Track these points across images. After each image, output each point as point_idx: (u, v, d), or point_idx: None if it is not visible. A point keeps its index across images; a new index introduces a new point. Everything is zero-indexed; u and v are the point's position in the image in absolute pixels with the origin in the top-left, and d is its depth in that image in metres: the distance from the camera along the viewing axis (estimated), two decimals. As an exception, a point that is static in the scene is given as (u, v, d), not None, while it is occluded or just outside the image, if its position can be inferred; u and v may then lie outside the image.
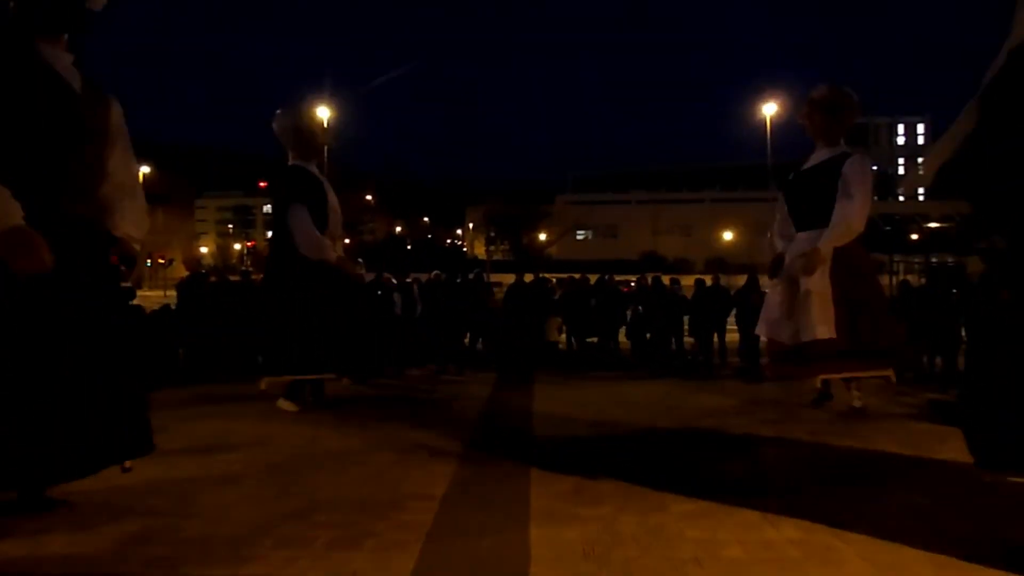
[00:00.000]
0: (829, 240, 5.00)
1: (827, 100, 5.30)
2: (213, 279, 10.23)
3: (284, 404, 5.57)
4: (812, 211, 5.21)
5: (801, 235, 5.29)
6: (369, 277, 10.59)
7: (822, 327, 4.93)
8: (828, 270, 5.00)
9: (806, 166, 5.48)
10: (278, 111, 5.80)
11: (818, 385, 5.58)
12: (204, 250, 67.22)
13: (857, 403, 5.38)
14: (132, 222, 3.13)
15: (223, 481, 3.50)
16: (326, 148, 29.47)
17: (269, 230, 5.82)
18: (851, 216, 4.98)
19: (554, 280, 12.40)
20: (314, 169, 5.78)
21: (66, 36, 2.86)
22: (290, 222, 5.41)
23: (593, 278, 11.36)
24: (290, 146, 5.74)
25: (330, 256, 5.49)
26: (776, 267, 5.45)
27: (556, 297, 11.04)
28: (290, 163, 5.75)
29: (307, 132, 5.75)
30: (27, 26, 2.73)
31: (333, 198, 5.75)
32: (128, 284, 3.12)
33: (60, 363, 2.65)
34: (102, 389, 2.77)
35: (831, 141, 5.34)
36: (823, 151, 5.35)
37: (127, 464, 2.95)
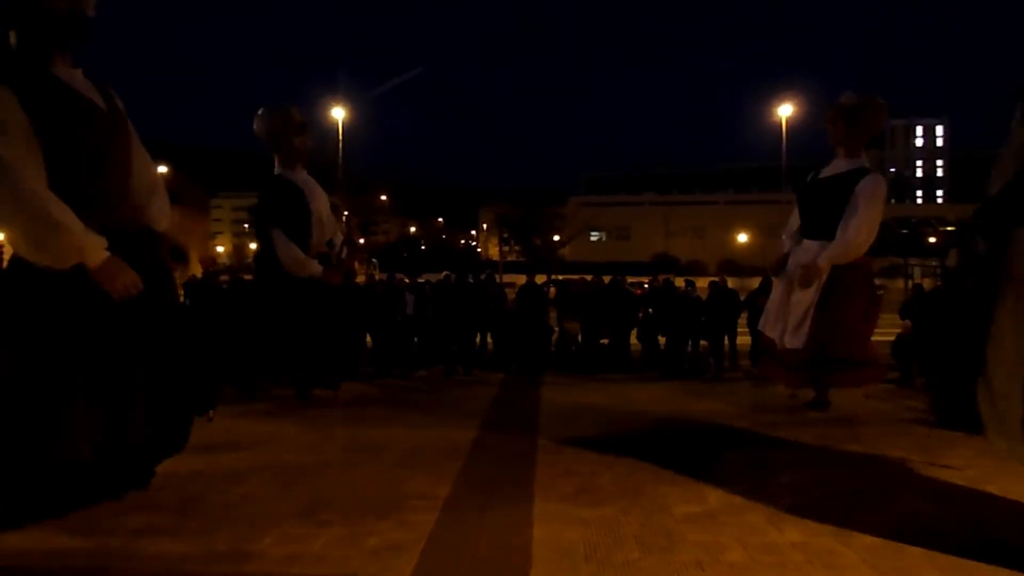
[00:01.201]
0: (828, 258, 5.06)
1: (853, 108, 5.24)
2: (225, 278, 10.27)
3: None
4: (821, 221, 5.22)
5: (807, 243, 5.32)
6: (380, 278, 10.65)
7: (795, 337, 5.11)
8: (822, 285, 5.08)
9: (823, 175, 5.45)
10: (258, 112, 5.74)
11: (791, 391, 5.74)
12: (220, 249, 67.70)
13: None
14: (165, 215, 3.21)
15: (229, 479, 3.52)
16: (340, 151, 29.67)
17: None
18: (852, 239, 5.03)
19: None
20: (297, 176, 5.73)
21: (71, 51, 2.92)
22: (274, 246, 5.47)
23: (606, 280, 11.31)
24: (271, 150, 5.73)
25: (315, 272, 5.54)
26: (780, 265, 5.50)
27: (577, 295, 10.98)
28: (275, 172, 5.74)
29: (282, 136, 5.67)
30: (38, 50, 2.78)
31: (320, 204, 5.72)
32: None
33: (139, 368, 2.86)
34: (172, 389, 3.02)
35: (852, 151, 5.32)
36: (842, 161, 5.33)
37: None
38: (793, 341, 5.11)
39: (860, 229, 4.99)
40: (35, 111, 2.67)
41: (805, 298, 5.10)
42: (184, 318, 3.25)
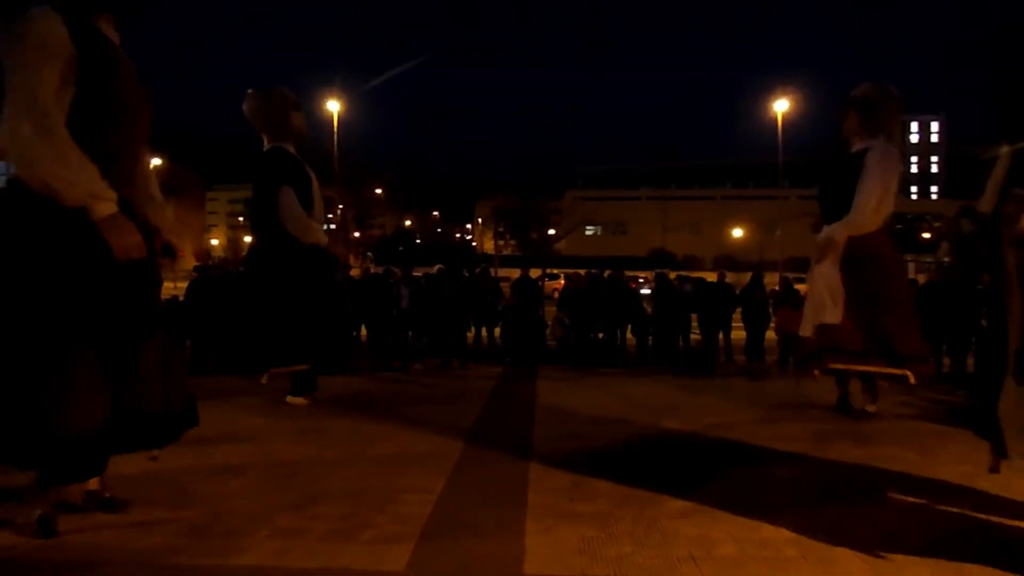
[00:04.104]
0: (841, 229, 4.98)
1: (864, 99, 5.19)
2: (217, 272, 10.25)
3: (293, 400, 5.56)
4: (837, 202, 5.18)
5: (827, 227, 5.30)
6: (377, 271, 10.63)
7: (828, 313, 4.92)
8: (839, 260, 4.96)
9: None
10: (248, 91, 5.55)
11: (817, 374, 5.51)
12: (215, 242, 67.49)
13: (870, 408, 5.34)
14: (162, 212, 3.14)
15: (223, 472, 3.52)
16: (336, 143, 29.57)
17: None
18: (862, 207, 4.92)
19: (562, 276, 12.36)
20: (294, 151, 5.58)
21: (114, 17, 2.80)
22: (280, 205, 5.25)
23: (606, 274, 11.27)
24: (262, 127, 5.53)
25: (321, 239, 5.41)
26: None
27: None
28: (267, 146, 5.54)
29: (277, 111, 5.47)
30: (87, 5, 2.67)
31: (316, 183, 5.60)
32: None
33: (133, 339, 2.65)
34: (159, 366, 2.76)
35: (869, 137, 5.28)
36: (858, 144, 5.29)
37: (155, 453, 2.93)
38: (826, 317, 4.94)
39: (870, 197, 4.90)
40: (82, 50, 2.53)
41: (825, 273, 5.01)
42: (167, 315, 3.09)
